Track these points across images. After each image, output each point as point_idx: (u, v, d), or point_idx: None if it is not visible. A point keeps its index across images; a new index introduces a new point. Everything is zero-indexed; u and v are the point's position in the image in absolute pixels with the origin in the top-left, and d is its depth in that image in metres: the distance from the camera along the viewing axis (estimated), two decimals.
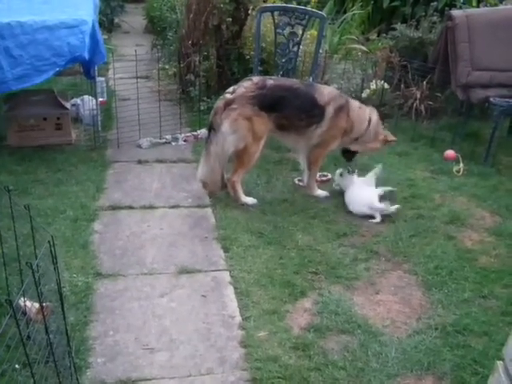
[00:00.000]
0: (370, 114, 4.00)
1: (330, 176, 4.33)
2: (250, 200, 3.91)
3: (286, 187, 4.20)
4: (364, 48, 6.44)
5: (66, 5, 4.48)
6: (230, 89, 3.84)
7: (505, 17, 5.20)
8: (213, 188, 3.97)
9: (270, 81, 3.85)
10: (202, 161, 3.92)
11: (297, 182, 4.27)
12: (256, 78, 3.89)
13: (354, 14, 7.39)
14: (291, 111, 3.78)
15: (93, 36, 4.18)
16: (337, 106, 3.85)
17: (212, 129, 3.81)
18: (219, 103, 3.79)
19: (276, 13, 5.09)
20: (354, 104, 3.98)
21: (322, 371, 2.45)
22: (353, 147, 4.11)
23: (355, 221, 3.75)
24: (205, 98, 5.27)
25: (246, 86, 3.76)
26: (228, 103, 3.72)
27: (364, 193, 3.85)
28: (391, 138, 4.13)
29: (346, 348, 2.60)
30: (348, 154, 4.19)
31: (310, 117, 3.81)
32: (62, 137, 4.71)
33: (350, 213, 3.84)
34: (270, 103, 3.73)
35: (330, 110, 3.82)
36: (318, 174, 4.23)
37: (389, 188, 3.92)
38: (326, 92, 3.90)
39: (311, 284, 3.07)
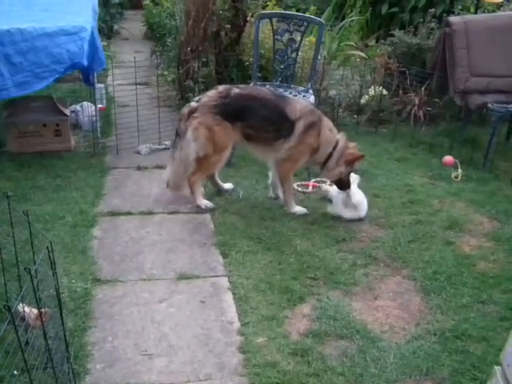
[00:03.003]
0: (339, 139, 3.82)
1: (310, 189, 4.28)
2: (206, 203, 3.91)
3: None
4: (362, 54, 6.47)
5: (65, 12, 4.49)
6: (196, 97, 3.89)
7: (502, 23, 5.24)
8: (174, 189, 4.01)
9: (236, 90, 3.80)
10: (168, 164, 4.00)
11: (272, 195, 4.10)
12: (221, 87, 3.86)
13: (352, 21, 7.42)
14: (257, 121, 3.72)
15: (92, 43, 4.19)
16: (308, 122, 3.72)
17: (177, 134, 3.87)
18: (184, 110, 3.84)
19: (275, 19, 5.11)
20: (327, 124, 3.83)
21: (321, 377, 2.45)
22: (324, 175, 3.99)
23: (354, 226, 3.76)
24: None
25: (209, 95, 3.77)
26: (191, 111, 3.75)
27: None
28: (357, 154, 3.86)
29: (345, 353, 2.60)
30: (341, 184, 3.89)
31: (277, 130, 3.73)
32: (62, 143, 4.72)
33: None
34: (233, 113, 3.70)
35: (299, 126, 3.71)
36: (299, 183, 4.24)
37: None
38: (299, 107, 3.77)
39: (310, 290, 3.07)
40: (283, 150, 3.77)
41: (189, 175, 3.86)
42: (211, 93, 3.80)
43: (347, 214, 3.82)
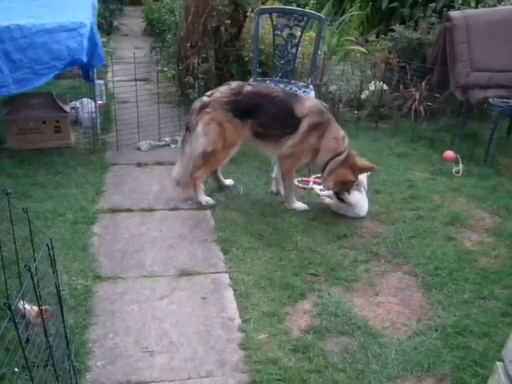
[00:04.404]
0: (342, 152, 3.74)
1: (311, 184, 4.27)
2: (207, 199, 3.89)
3: None
4: (363, 49, 6.45)
5: (64, 8, 4.49)
6: (209, 92, 3.86)
7: (503, 17, 5.21)
8: (184, 188, 3.95)
9: (248, 87, 3.79)
10: (178, 160, 3.95)
11: (274, 190, 4.11)
12: (234, 84, 3.84)
13: (352, 16, 7.40)
14: (266, 119, 3.72)
15: (91, 39, 4.19)
16: (313, 121, 3.70)
17: (187, 129, 3.85)
18: (195, 105, 3.82)
19: (274, 14, 5.09)
20: (333, 131, 3.76)
21: (322, 373, 2.45)
22: (323, 183, 3.95)
23: (355, 222, 3.75)
24: None
25: (221, 91, 3.75)
26: (203, 106, 3.74)
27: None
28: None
29: (346, 350, 2.59)
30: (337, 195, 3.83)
31: (284, 127, 3.72)
32: (62, 140, 4.71)
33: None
34: (244, 110, 3.69)
35: (304, 124, 3.70)
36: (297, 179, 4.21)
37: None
38: (307, 105, 3.76)
39: (311, 286, 3.06)
40: (287, 146, 3.76)
41: (193, 170, 3.84)
42: (224, 88, 3.77)
43: (347, 212, 3.81)
